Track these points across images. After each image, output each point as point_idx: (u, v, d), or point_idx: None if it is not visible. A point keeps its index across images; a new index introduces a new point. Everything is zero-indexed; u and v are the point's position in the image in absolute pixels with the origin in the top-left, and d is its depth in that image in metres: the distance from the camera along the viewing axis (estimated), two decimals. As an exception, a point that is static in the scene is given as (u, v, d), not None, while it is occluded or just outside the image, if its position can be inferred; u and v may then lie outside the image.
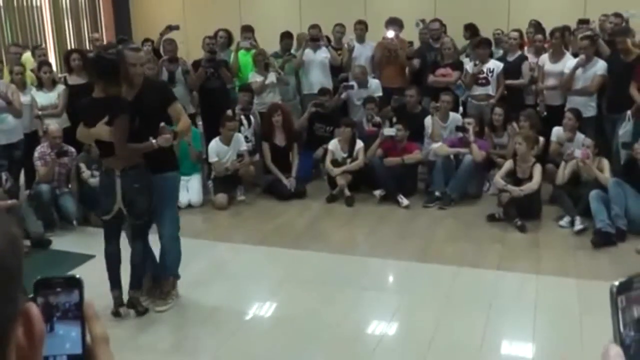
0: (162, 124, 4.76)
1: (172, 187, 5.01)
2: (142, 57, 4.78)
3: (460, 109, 8.70)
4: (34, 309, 0.81)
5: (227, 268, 5.92)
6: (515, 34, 8.71)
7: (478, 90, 8.32)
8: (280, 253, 6.20)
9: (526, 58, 8.53)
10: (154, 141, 4.64)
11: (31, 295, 0.87)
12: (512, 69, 8.33)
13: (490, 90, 8.25)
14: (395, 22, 9.16)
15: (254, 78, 8.72)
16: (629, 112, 7.36)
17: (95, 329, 0.89)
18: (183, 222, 7.16)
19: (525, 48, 9.04)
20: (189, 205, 7.55)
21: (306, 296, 5.11)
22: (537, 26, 9.38)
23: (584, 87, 7.75)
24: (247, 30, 9.51)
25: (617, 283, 0.82)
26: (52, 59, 11.29)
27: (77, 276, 0.90)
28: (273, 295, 5.23)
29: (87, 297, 0.89)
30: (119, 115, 4.64)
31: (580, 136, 7.29)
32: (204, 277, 5.65)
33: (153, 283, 5.20)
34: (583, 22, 8.92)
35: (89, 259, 5.82)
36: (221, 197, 7.57)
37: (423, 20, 9.54)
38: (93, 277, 4.95)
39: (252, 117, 8.47)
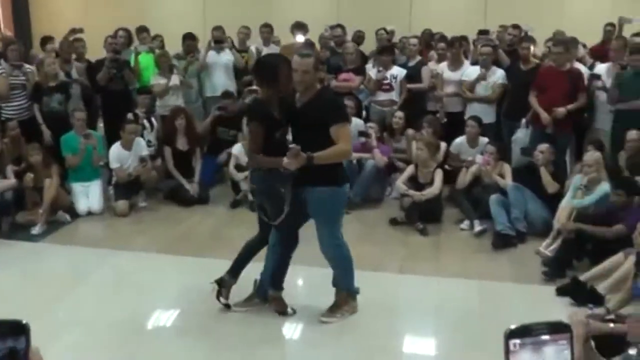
0: (293, 144, 4.34)
1: (324, 201, 4.61)
2: (306, 64, 4.44)
3: (363, 113, 8.80)
4: None
5: (129, 277, 5.79)
6: (415, 41, 8.96)
7: (382, 96, 8.45)
8: (184, 261, 6.09)
9: (425, 63, 8.75)
10: (285, 160, 4.31)
11: None
12: (412, 74, 8.51)
13: (394, 96, 8.39)
14: (301, 27, 9.23)
15: (157, 80, 8.56)
16: (523, 120, 7.68)
17: None
18: (82, 230, 7.10)
19: (429, 55, 9.29)
20: (89, 213, 7.34)
21: (210, 306, 5.04)
22: (431, 35, 9.81)
23: (485, 97, 8.03)
24: (143, 31, 9.35)
25: (512, 327, 0.86)
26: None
27: (24, 322, 0.86)
28: (176, 306, 5.13)
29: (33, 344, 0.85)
30: (250, 121, 4.67)
31: (483, 140, 7.52)
32: (105, 287, 5.51)
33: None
34: (483, 32, 9.23)
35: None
36: (122, 204, 7.38)
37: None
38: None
39: (154, 120, 8.32)
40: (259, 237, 4.94)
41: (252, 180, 4.97)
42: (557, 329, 0.95)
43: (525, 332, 0.91)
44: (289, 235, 4.80)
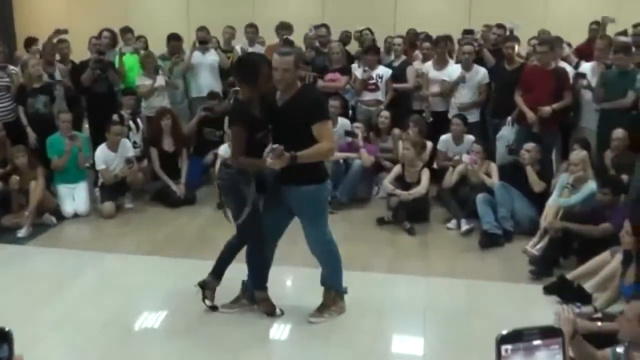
0: (276, 145, 4.26)
1: (309, 200, 4.61)
2: (286, 62, 4.40)
3: (350, 113, 8.80)
4: None
5: (116, 279, 5.75)
6: (399, 40, 8.98)
7: (368, 96, 8.46)
8: (171, 262, 6.06)
9: (410, 63, 8.77)
10: (269, 161, 4.25)
11: None
12: (398, 74, 8.52)
13: (379, 95, 8.41)
14: (286, 27, 9.21)
15: (142, 81, 8.51)
16: (509, 118, 7.71)
17: None
18: (69, 232, 7.06)
19: (414, 54, 9.31)
20: (75, 215, 7.29)
21: (198, 307, 5.02)
22: (416, 35, 9.82)
23: (474, 101, 8.09)
24: (127, 31, 9.32)
25: (503, 333, 0.85)
26: None
27: (6, 329, 0.84)
28: (164, 307, 5.11)
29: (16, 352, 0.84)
30: (231, 124, 4.63)
31: (469, 137, 7.55)
32: (92, 289, 5.48)
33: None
34: (468, 32, 9.27)
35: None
36: (109, 206, 7.34)
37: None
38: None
39: (139, 122, 8.28)
40: (238, 237, 4.93)
41: (220, 176, 4.93)
42: (549, 333, 0.95)
43: (516, 337, 0.91)
44: (254, 235, 4.77)
